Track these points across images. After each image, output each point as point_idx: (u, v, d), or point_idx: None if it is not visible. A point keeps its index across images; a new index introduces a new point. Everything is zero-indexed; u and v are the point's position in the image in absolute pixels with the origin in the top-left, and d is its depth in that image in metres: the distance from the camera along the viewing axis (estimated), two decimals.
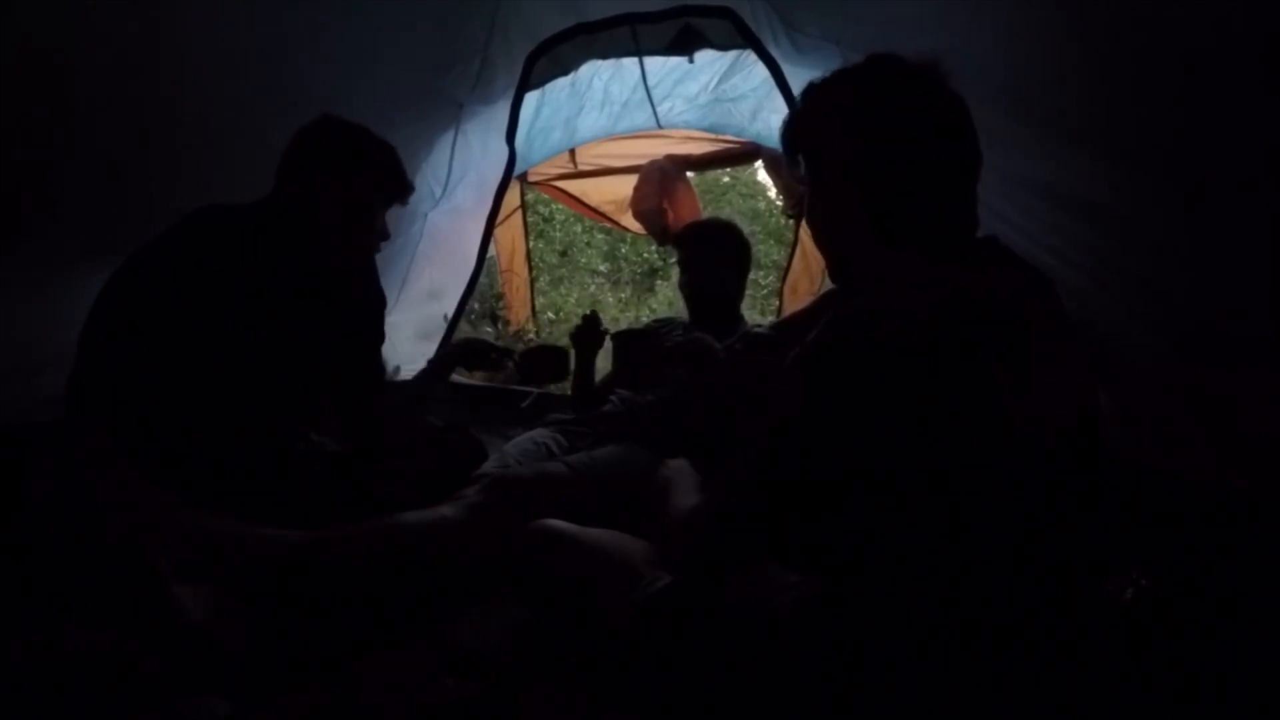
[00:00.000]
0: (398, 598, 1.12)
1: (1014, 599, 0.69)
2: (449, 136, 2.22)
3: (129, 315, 1.17)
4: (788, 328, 1.66)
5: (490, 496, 1.29)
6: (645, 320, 2.28)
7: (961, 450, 0.68)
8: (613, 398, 1.82)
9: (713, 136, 2.94)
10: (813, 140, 0.88)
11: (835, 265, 0.92)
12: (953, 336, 0.69)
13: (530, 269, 3.61)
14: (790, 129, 0.90)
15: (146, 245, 1.22)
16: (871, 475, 0.70)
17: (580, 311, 2.18)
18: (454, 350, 1.84)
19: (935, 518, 0.69)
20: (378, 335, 1.40)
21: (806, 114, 0.88)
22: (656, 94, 2.69)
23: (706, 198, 6.21)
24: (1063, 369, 0.73)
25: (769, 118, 2.49)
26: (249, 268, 1.22)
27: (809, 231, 0.95)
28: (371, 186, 1.33)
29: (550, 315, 4.53)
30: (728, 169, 6.35)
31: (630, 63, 2.44)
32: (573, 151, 3.09)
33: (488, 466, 1.51)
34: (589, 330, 1.88)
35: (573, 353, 1.90)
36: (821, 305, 1.61)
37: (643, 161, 2.97)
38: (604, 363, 2.02)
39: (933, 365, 0.68)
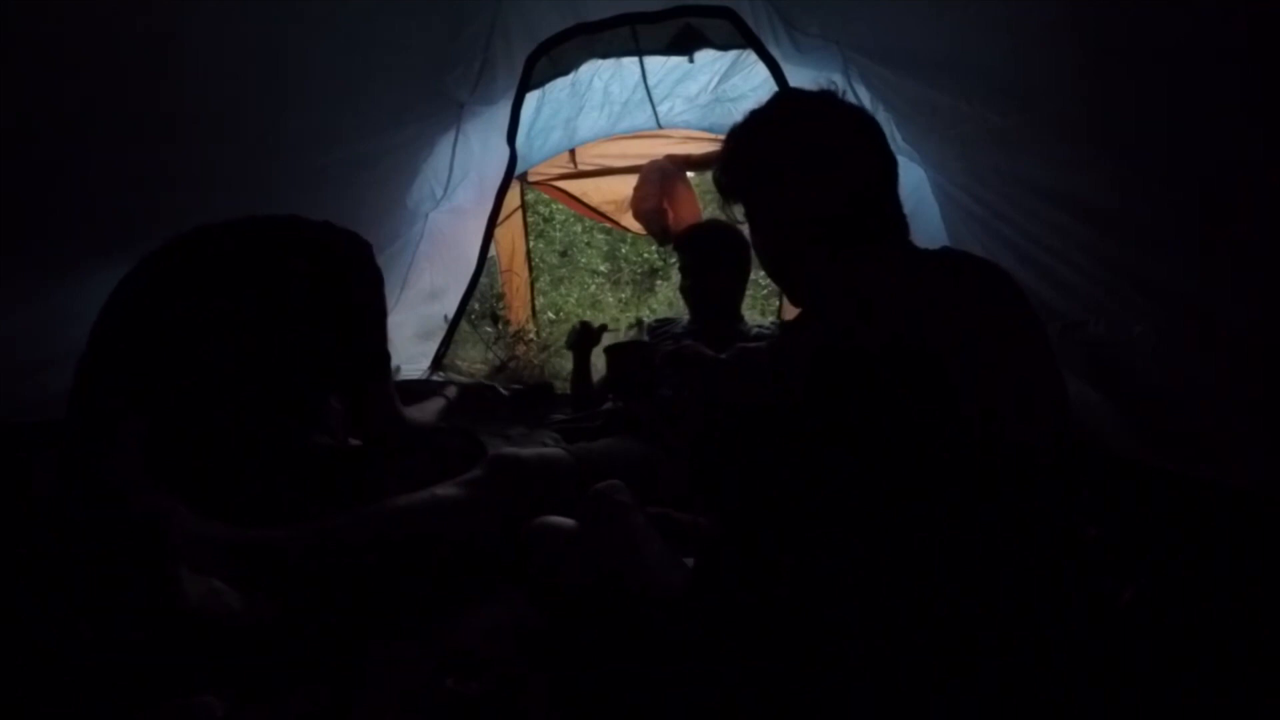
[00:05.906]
0: (399, 590, 1.11)
1: (1007, 597, 0.69)
2: (450, 137, 2.22)
3: (138, 324, 1.19)
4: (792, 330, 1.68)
5: (490, 472, 1.29)
6: (646, 320, 2.28)
7: (931, 448, 0.69)
8: (612, 398, 1.84)
9: (713, 136, 2.93)
10: (747, 187, 0.94)
11: (791, 292, 0.98)
12: (906, 340, 0.73)
13: (530, 269, 3.60)
14: (724, 180, 0.96)
15: (153, 255, 1.24)
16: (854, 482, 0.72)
17: (579, 313, 2.21)
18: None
19: (917, 517, 0.69)
20: (381, 337, 1.40)
21: (734, 163, 0.94)
22: (656, 94, 2.69)
23: (706, 198, 6.18)
24: (1022, 367, 0.76)
25: None
26: (252, 274, 1.23)
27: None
28: None
29: (550, 315, 4.53)
30: None
31: (630, 63, 2.44)
32: (573, 151, 3.09)
33: None
34: (583, 337, 2.03)
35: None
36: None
37: (643, 161, 2.95)
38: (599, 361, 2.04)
39: (890, 371, 0.71)
